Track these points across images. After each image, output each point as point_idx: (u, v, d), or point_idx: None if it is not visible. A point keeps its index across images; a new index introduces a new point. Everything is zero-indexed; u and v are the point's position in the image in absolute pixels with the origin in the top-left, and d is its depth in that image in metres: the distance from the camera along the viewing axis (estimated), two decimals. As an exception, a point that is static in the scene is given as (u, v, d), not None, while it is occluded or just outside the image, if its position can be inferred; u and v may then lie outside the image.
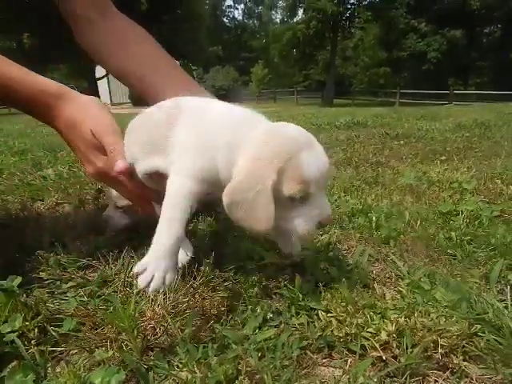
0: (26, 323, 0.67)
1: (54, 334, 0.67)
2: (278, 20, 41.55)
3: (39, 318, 0.69)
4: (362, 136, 3.68)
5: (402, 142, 3.16)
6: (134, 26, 1.07)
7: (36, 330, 0.66)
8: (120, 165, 0.80)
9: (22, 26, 13.55)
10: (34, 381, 0.53)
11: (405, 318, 0.65)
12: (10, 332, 0.65)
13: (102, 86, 21.85)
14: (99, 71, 18.65)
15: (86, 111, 0.88)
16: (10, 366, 0.56)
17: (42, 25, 13.31)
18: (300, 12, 25.78)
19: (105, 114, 0.90)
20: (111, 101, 25.91)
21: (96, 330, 0.70)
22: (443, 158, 2.35)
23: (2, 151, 3.05)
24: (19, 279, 0.74)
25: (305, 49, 24.53)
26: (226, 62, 28.86)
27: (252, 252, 0.96)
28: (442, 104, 13.84)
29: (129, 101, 25.61)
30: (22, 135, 4.19)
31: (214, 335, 0.67)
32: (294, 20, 27.00)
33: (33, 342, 0.65)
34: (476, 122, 4.37)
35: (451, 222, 1.16)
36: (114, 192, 1.06)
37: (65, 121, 0.87)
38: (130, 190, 0.86)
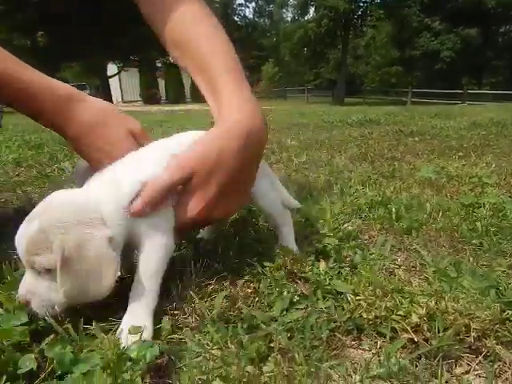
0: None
1: (83, 309, 0.68)
2: (288, 18, 41.35)
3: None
4: (375, 133, 3.66)
5: (416, 138, 3.13)
6: None
7: (69, 307, 0.68)
8: None
9: (35, 25, 13.77)
10: (72, 352, 0.54)
11: (435, 302, 0.64)
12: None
13: (114, 83, 22.07)
14: (111, 69, 18.84)
15: (109, 113, 0.83)
16: (48, 339, 0.57)
17: (56, 23, 13.52)
18: (311, 10, 25.65)
19: (129, 117, 0.87)
20: (122, 98, 26.20)
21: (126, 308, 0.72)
22: (460, 154, 2.32)
23: (20, 145, 3.11)
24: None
25: (316, 47, 24.38)
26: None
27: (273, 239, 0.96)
28: (455, 103, 13.65)
29: (140, 99, 25.89)
30: (37, 130, 4.25)
31: (242, 315, 0.68)
32: (305, 18, 26.86)
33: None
34: (492, 120, 4.30)
35: (474, 213, 1.14)
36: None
37: (86, 122, 0.79)
38: None
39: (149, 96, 24.72)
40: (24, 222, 0.61)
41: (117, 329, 0.63)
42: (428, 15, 23.03)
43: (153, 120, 6.14)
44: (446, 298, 0.66)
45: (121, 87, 26.24)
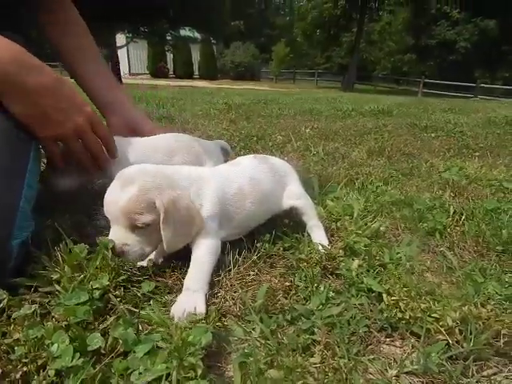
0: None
1: (136, 293, 0.72)
2: (304, -3, 40.00)
3: (120, 278, 0.75)
4: (389, 125, 3.65)
5: (432, 134, 3.13)
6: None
7: (122, 289, 0.72)
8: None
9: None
10: (135, 333, 0.58)
11: (469, 306, 0.68)
12: (96, 288, 0.71)
13: (122, 55, 21.65)
14: (120, 41, 18.44)
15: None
16: (110, 320, 0.62)
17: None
18: (328, -10, 24.76)
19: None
20: (130, 71, 25.77)
21: (170, 293, 0.76)
22: (477, 154, 2.33)
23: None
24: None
25: (330, 29, 23.77)
26: (248, 38, 28.10)
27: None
28: (467, 97, 13.47)
29: (147, 72, 25.48)
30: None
31: (283, 308, 0.72)
32: (321, -2, 25.99)
33: (118, 299, 0.71)
34: (506, 119, 4.27)
35: (497, 219, 1.17)
36: None
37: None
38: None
39: (156, 69, 24.33)
40: (113, 189, 0.73)
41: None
42: (447, 3, 22.30)
43: (164, 96, 6.04)
44: (479, 303, 0.69)
45: (128, 59, 25.78)
